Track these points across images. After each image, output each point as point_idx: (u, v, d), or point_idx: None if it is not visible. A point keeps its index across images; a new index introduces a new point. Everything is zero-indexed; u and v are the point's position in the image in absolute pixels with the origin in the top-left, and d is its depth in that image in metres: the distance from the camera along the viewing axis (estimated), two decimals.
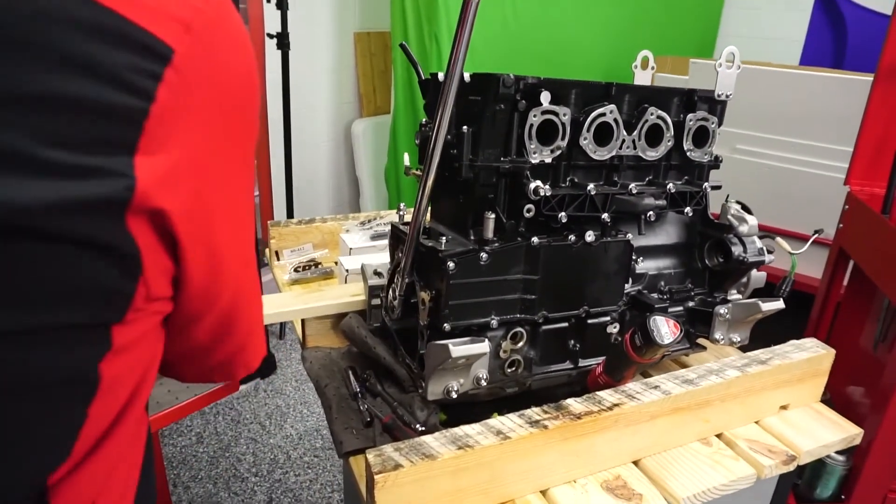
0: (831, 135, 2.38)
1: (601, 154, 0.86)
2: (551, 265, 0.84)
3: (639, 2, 3.54)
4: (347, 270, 1.15)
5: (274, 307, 0.98)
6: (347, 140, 3.32)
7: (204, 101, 0.41)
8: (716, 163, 0.99)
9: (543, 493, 0.79)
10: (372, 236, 1.31)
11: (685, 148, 0.93)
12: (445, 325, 0.79)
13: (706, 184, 0.96)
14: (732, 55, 0.93)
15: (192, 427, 2.17)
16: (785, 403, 0.96)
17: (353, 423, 0.87)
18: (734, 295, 1.02)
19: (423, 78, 0.94)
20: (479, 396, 0.86)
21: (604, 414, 0.79)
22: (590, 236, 0.84)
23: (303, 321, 1.02)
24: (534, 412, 0.78)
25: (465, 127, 0.80)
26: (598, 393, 0.82)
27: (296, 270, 1.30)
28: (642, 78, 1.08)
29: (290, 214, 2.70)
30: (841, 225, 1.45)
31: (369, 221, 1.36)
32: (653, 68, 1.08)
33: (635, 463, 0.85)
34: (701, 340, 1.02)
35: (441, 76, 0.79)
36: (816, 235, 1.04)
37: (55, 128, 0.35)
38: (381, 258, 1.08)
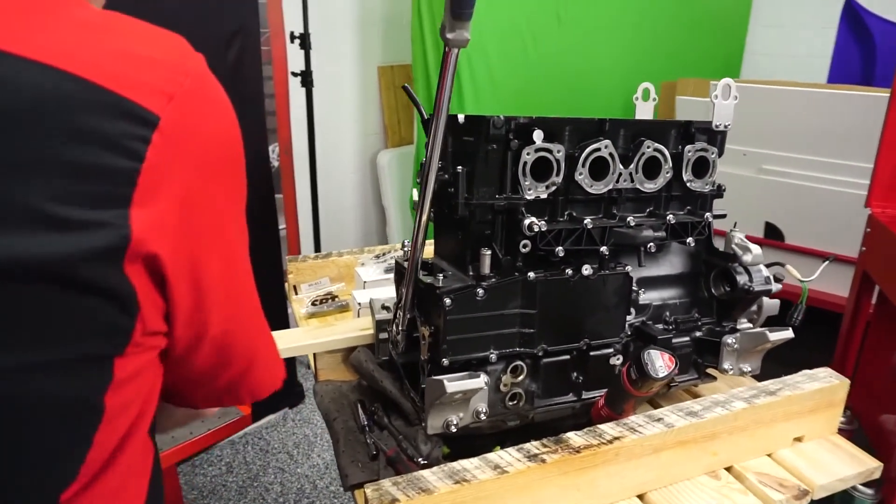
0: (859, 153, 2.34)
1: (598, 188, 0.88)
2: (549, 299, 0.85)
3: (659, 25, 3.55)
4: (360, 304, 1.18)
5: (285, 343, 1.02)
6: (373, 171, 3.39)
7: (187, 157, 0.47)
8: (718, 192, 0.99)
9: None
10: (386, 269, 1.33)
11: (685, 179, 0.94)
12: (444, 359, 0.81)
13: (708, 213, 0.96)
14: (728, 87, 0.93)
15: (221, 457, 2.21)
16: (799, 435, 0.94)
17: (359, 457, 0.89)
18: (744, 324, 1.01)
19: (426, 117, 0.97)
20: (481, 430, 0.87)
21: (604, 447, 0.79)
22: (587, 270, 0.85)
23: (314, 355, 1.05)
24: (533, 446, 0.78)
25: (459, 167, 0.82)
26: (599, 426, 0.82)
27: (313, 304, 1.34)
28: (644, 109, 1.09)
29: (317, 247, 2.76)
30: (864, 248, 1.42)
31: (384, 254, 1.39)
32: (654, 99, 1.09)
33: (641, 497, 0.85)
34: (713, 371, 1.01)
35: (498, 121, 0.81)
36: (827, 263, 1.02)
37: (64, 188, 0.41)
38: (392, 292, 1.11)
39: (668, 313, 0.98)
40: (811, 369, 0.97)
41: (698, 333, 0.99)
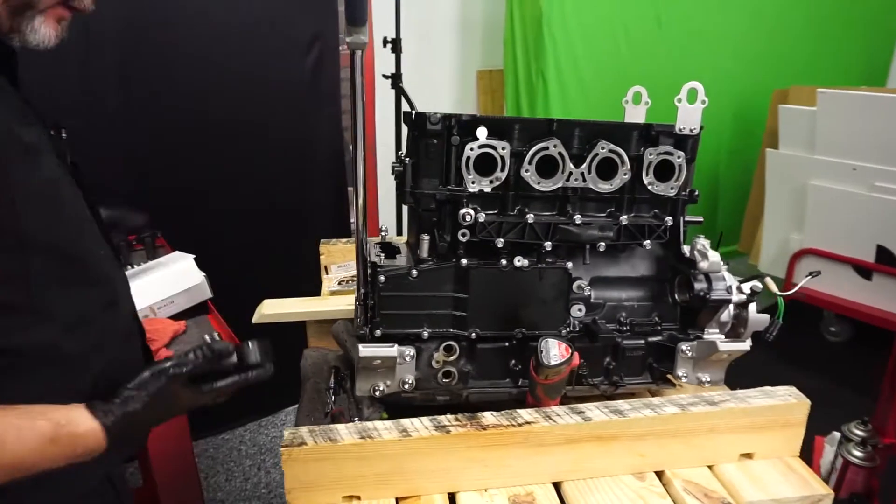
0: None
1: (545, 185, 0.92)
2: (482, 286, 0.90)
3: (778, 29, 3.30)
4: None
5: (280, 309, 1.16)
6: None
7: None
8: (691, 197, 0.98)
9: (452, 496, 0.85)
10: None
11: (646, 182, 0.95)
12: (377, 331, 0.90)
13: (668, 217, 0.95)
14: (696, 91, 0.92)
15: (285, 421, 2.44)
16: (748, 451, 0.91)
17: (315, 414, 1.00)
18: (714, 334, 0.99)
19: (414, 112, 1.06)
20: (415, 400, 0.94)
21: (512, 429, 0.83)
22: (520, 261, 0.89)
23: (305, 325, 1.18)
24: (445, 418, 0.85)
25: (407, 158, 0.91)
26: (518, 410, 0.87)
27: (338, 283, 1.47)
28: (634, 114, 1.10)
29: (399, 233, 2.93)
30: None
31: None
32: (647, 103, 1.09)
33: (557, 485, 0.88)
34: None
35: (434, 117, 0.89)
36: (810, 277, 0.97)
37: None
38: None
39: (623, 314, 0.99)
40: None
41: (656, 338, 0.98)
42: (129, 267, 1.43)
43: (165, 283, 1.30)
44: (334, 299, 1.22)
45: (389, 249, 0.99)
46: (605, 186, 0.94)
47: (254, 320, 1.15)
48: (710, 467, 0.91)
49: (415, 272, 0.89)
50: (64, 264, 0.71)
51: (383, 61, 2.62)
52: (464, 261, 0.89)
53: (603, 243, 0.93)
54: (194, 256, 1.39)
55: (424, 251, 0.91)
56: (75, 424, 0.67)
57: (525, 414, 0.86)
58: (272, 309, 1.16)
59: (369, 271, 0.91)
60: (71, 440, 0.66)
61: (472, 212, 0.88)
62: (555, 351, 0.79)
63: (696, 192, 0.98)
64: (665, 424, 0.87)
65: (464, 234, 0.90)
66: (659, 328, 0.99)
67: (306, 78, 2.05)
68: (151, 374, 0.73)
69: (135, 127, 1.84)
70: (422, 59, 2.78)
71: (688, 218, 1.00)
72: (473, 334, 0.92)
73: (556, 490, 0.87)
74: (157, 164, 1.92)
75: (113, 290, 0.81)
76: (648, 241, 0.95)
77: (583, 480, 0.88)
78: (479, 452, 0.84)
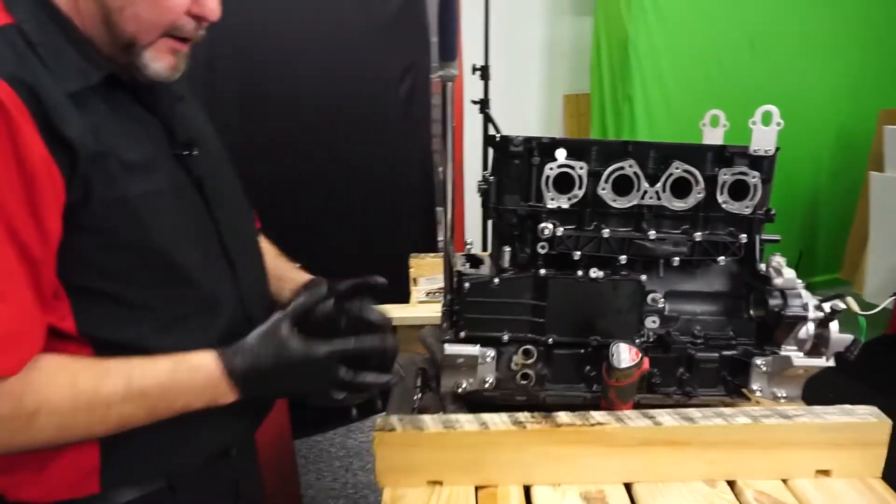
0: None
1: (621, 203, 0.98)
2: (559, 295, 0.97)
3: (887, 45, 3.15)
4: None
5: None
6: None
7: None
8: (767, 216, 1.01)
9: (527, 488, 0.92)
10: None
11: (720, 200, 0.99)
12: (461, 333, 0.99)
13: (743, 235, 0.99)
14: (770, 114, 0.96)
15: (372, 428, 2.56)
16: (825, 468, 0.92)
17: (404, 408, 1.10)
18: (791, 350, 1.00)
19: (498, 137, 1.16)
20: (495, 400, 1.02)
21: (585, 428, 0.89)
22: (595, 273, 0.96)
23: (395, 330, 1.29)
24: (522, 415, 0.92)
25: (492, 177, 1.00)
26: (591, 412, 0.93)
27: (426, 294, 1.58)
28: (712, 136, 1.14)
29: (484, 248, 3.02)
30: None
31: None
32: (725, 126, 1.12)
33: (629, 485, 0.92)
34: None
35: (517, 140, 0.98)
36: (893, 298, 0.96)
37: None
38: None
39: (698, 327, 1.02)
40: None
41: (730, 352, 1.01)
42: None
43: None
44: (423, 306, 1.33)
45: (474, 261, 1.08)
46: (679, 204, 0.98)
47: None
48: (784, 481, 0.92)
49: (497, 280, 0.97)
50: (160, 266, 0.78)
51: (472, 86, 2.74)
52: (542, 271, 0.97)
53: (677, 258, 0.98)
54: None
55: (506, 262, 0.99)
56: (193, 357, 0.77)
57: (598, 415, 0.92)
58: None
59: (455, 279, 1.00)
60: (190, 371, 0.76)
61: (550, 226, 0.96)
62: (625, 355, 0.84)
63: (773, 212, 1.01)
64: (737, 434, 0.90)
65: (543, 247, 0.97)
66: (733, 342, 1.01)
67: (400, 104, 2.20)
68: (266, 327, 0.80)
69: (250, 153, 2.06)
70: (510, 83, 2.88)
71: (765, 236, 1.02)
72: (550, 340, 0.99)
73: (627, 490, 0.91)
74: (265, 181, 2.12)
75: (214, 296, 0.85)
76: (723, 258, 0.99)
77: (654, 483, 0.92)
78: (553, 448, 0.90)
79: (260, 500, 1.12)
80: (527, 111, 3.44)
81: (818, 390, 1.03)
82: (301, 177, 2.18)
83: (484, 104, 2.87)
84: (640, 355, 0.84)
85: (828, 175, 3.32)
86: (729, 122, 1.12)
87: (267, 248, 1.09)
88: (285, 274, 1.08)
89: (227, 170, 0.97)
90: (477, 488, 0.91)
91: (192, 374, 0.77)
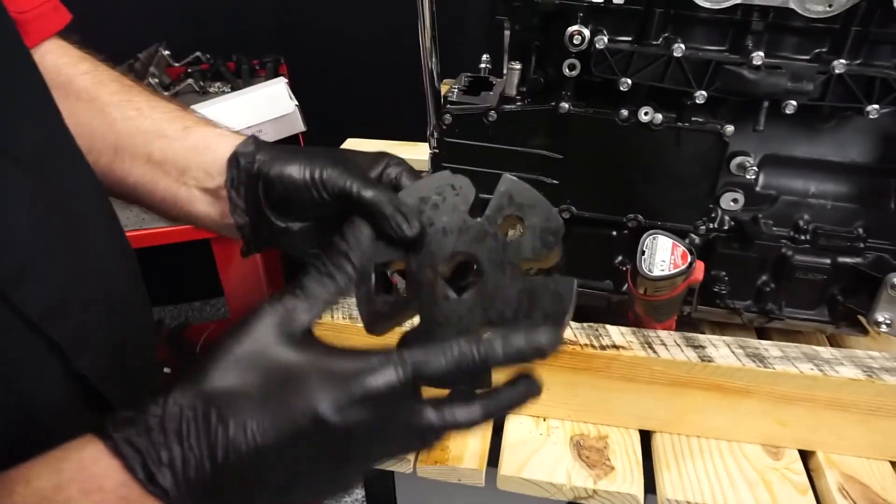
0: None
1: (715, 1, 0.58)
2: (586, 145, 0.63)
3: None
4: None
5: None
6: None
7: None
8: None
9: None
10: None
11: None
12: None
13: None
14: None
15: None
16: None
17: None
18: None
19: None
20: None
21: (591, 351, 0.59)
22: (649, 114, 0.59)
23: None
24: None
25: None
26: (607, 326, 0.62)
27: None
28: None
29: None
30: None
31: None
32: None
33: (646, 433, 0.64)
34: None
35: None
36: None
37: None
38: None
39: (806, 216, 0.65)
40: None
41: (852, 258, 0.64)
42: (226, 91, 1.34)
43: (252, 107, 1.17)
44: (425, 145, 1.01)
45: (478, 85, 0.73)
46: (817, 7, 0.57)
47: None
48: (894, 465, 0.60)
49: (493, 114, 0.63)
50: None
51: None
52: (564, 104, 0.61)
53: (794, 101, 0.59)
54: (286, 82, 1.24)
55: (513, 87, 0.64)
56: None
57: (616, 333, 0.61)
58: (355, 149, 0.98)
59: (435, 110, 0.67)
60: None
61: (587, 32, 0.59)
62: (664, 255, 0.51)
63: None
64: (833, 391, 0.57)
65: (571, 67, 0.61)
66: (862, 245, 0.64)
67: None
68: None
69: None
70: None
71: None
72: (567, 213, 0.66)
73: (644, 441, 0.63)
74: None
75: None
76: (876, 107, 0.59)
77: (685, 437, 0.63)
78: (542, 371, 0.62)
79: None
80: None
81: None
82: None
83: None
84: (690, 258, 0.50)
85: None
86: None
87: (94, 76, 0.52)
88: (190, 145, 0.49)
89: None
90: None
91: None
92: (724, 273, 0.66)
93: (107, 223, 0.48)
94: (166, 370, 1.76)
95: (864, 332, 0.68)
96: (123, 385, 0.43)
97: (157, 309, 2.10)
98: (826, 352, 0.59)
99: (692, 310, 0.68)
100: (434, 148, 0.70)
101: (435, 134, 0.70)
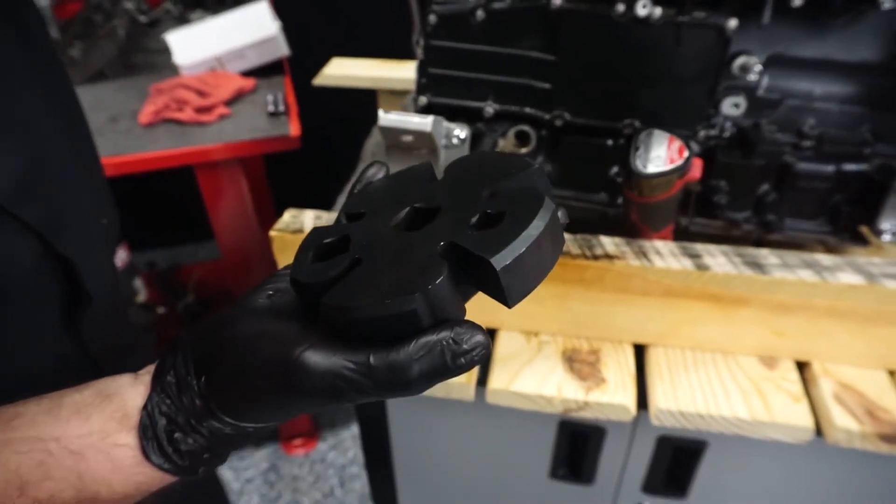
0: None
1: None
2: (579, 45, 0.59)
3: None
4: None
5: (344, 70, 0.93)
6: None
7: None
8: None
9: (493, 332, 0.64)
10: None
11: None
12: (422, 97, 0.64)
13: None
14: None
15: None
16: None
17: None
18: None
19: None
20: None
21: (583, 261, 0.57)
22: (646, 7, 0.55)
23: (377, 96, 0.95)
24: None
25: None
26: (601, 237, 0.60)
27: None
28: None
29: None
30: None
31: None
32: None
33: (640, 349, 0.62)
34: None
35: None
36: None
37: None
38: None
39: (811, 121, 0.62)
40: None
41: (858, 165, 0.62)
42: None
43: (233, 30, 1.11)
44: (413, 65, 0.96)
45: None
46: None
47: (315, 81, 0.94)
48: (891, 373, 0.59)
49: (481, 13, 0.59)
50: None
51: None
52: (557, 0, 0.57)
53: None
54: (269, 1, 1.17)
55: None
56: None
57: (608, 243, 0.59)
58: (339, 70, 0.94)
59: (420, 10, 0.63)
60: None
61: None
62: (659, 152, 0.48)
63: None
64: (832, 298, 0.55)
65: None
66: (868, 151, 0.61)
67: None
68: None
69: None
70: None
71: None
72: (559, 120, 0.63)
73: (638, 355, 0.62)
74: None
75: None
76: (892, 1, 0.55)
77: (680, 350, 0.61)
78: None
79: None
80: None
81: None
82: None
83: None
84: (686, 154, 0.47)
85: None
86: None
87: None
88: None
89: None
90: None
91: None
92: (723, 182, 0.64)
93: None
94: (160, 310, 1.76)
95: (866, 243, 0.65)
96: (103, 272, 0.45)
97: (150, 252, 2.08)
98: (826, 258, 0.57)
99: (689, 223, 0.66)
100: (421, 57, 0.66)
101: (420, 41, 0.66)
